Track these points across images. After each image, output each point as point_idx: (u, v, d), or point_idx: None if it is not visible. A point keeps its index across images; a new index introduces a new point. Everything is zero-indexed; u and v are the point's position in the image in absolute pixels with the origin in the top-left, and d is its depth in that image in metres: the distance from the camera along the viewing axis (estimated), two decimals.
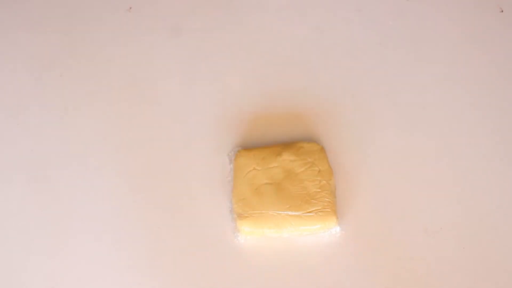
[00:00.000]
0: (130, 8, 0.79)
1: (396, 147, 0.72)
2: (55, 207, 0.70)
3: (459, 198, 0.70)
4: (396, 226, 0.68)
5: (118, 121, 0.74)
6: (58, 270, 0.68)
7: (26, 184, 0.71)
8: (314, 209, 0.66)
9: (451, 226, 0.68)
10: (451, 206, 0.69)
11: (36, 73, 0.76)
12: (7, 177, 0.72)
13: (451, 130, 0.73)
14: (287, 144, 0.71)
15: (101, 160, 0.72)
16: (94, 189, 0.71)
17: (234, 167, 0.69)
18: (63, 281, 0.67)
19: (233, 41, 0.78)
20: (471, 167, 0.71)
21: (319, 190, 0.67)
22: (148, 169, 0.71)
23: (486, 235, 0.68)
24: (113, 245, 0.69)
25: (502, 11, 0.79)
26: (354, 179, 0.70)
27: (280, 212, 0.66)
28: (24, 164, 0.72)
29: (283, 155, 0.69)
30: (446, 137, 0.72)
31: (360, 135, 0.72)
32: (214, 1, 0.80)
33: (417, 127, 0.73)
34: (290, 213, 0.66)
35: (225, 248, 0.68)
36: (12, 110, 0.75)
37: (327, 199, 0.66)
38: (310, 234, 0.67)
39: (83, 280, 0.67)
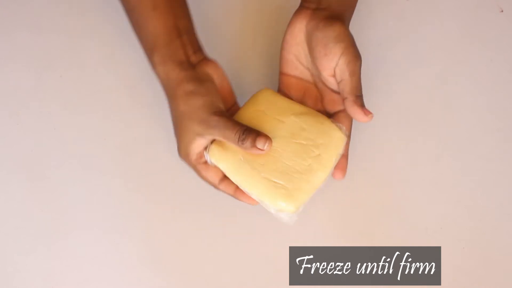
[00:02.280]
0: None
1: (396, 147, 0.72)
2: (55, 207, 0.70)
3: (459, 198, 0.70)
4: (396, 226, 0.69)
5: (118, 121, 0.74)
6: (58, 270, 0.68)
7: (26, 184, 0.71)
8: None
9: (451, 226, 0.68)
10: (451, 206, 0.69)
11: (36, 73, 0.76)
12: (7, 177, 0.72)
13: (451, 130, 0.73)
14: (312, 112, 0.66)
15: (101, 160, 0.72)
16: (94, 189, 0.71)
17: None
18: (63, 280, 0.67)
19: (233, 41, 0.78)
20: (471, 167, 0.71)
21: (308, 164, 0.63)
22: (148, 169, 0.72)
23: (486, 235, 0.68)
24: (114, 245, 0.69)
25: (502, 11, 0.79)
26: (354, 179, 0.70)
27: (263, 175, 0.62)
28: (24, 164, 0.72)
29: (298, 117, 0.64)
30: (446, 137, 0.73)
31: (359, 135, 0.72)
32: (212, 2, 0.80)
33: (417, 127, 0.73)
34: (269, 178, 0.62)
35: (225, 244, 0.68)
36: (12, 110, 0.75)
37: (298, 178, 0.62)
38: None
39: (83, 279, 0.67)
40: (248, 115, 0.65)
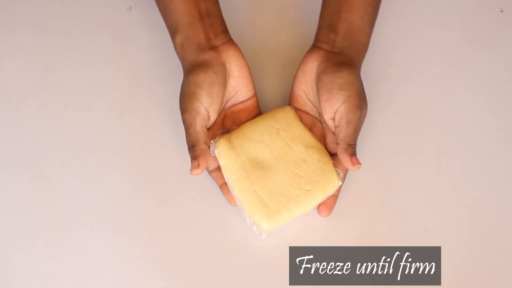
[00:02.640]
0: (130, 8, 0.79)
1: (396, 146, 0.72)
2: (55, 207, 0.70)
3: (459, 198, 0.70)
4: (397, 226, 0.69)
5: (118, 121, 0.74)
6: (58, 270, 0.68)
7: (26, 183, 0.71)
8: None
9: (451, 226, 0.68)
10: (451, 206, 0.69)
11: (36, 73, 0.76)
12: (7, 177, 0.72)
13: (451, 130, 0.73)
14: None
15: (101, 160, 0.72)
16: (94, 188, 0.71)
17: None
18: (63, 280, 0.67)
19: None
20: (471, 167, 0.71)
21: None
22: (148, 169, 0.71)
23: (486, 235, 0.68)
24: (114, 245, 0.69)
25: (502, 11, 0.79)
26: (354, 179, 0.70)
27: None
28: (24, 164, 0.72)
29: (305, 149, 0.67)
30: (446, 137, 0.73)
31: (359, 135, 0.72)
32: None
33: (417, 127, 0.73)
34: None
35: (226, 244, 0.68)
36: (12, 110, 0.75)
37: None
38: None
39: (83, 279, 0.67)
40: (263, 128, 0.67)
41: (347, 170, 0.67)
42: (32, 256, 0.68)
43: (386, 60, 0.76)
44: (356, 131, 0.64)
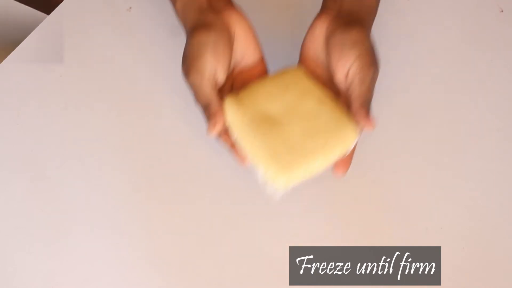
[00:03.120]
0: (130, 8, 0.79)
1: (396, 146, 0.72)
2: (55, 207, 0.70)
3: (459, 198, 0.70)
4: (397, 226, 0.69)
5: (118, 121, 0.74)
6: (58, 270, 0.68)
7: (26, 183, 0.71)
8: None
9: (451, 226, 0.68)
10: (451, 206, 0.69)
11: (36, 73, 0.76)
12: (7, 177, 0.72)
13: (451, 130, 0.73)
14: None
15: (101, 160, 0.72)
16: (94, 188, 0.71)
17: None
18: (63, 280, 0.67)
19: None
20: (471, 167, 0.71)
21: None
22: (149, 169, 0.72)
23: (486, 235, 0.68)
24: (114, 245, 0.69)
25: (502, 11, 0.79)
26: (354, 179, 0.70)
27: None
28: (24, 164, 0.72)
29: (317, 105, 0.63)
30: (446, 137, 0.73)
31: (360, 137, 0.72)
32: None
33: (416, 127, 0.73)
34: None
35: (225, 244, 0.68)
36: (12, 110, 0.75)
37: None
38: None
39: (83, 279, 0.67)
40: (272, 84, 0.64)
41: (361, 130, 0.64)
42: (32, 256, 0.68)
43: (385, 60, 0.76)
44: (370, 90, 0.61)
